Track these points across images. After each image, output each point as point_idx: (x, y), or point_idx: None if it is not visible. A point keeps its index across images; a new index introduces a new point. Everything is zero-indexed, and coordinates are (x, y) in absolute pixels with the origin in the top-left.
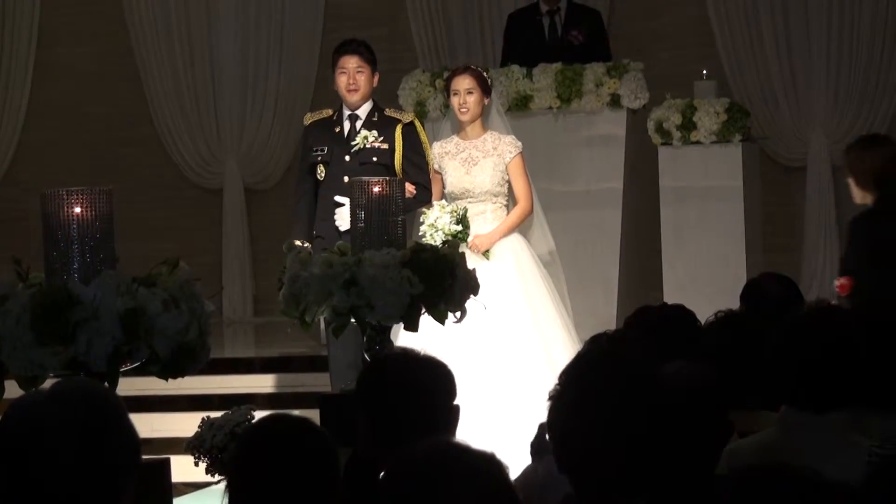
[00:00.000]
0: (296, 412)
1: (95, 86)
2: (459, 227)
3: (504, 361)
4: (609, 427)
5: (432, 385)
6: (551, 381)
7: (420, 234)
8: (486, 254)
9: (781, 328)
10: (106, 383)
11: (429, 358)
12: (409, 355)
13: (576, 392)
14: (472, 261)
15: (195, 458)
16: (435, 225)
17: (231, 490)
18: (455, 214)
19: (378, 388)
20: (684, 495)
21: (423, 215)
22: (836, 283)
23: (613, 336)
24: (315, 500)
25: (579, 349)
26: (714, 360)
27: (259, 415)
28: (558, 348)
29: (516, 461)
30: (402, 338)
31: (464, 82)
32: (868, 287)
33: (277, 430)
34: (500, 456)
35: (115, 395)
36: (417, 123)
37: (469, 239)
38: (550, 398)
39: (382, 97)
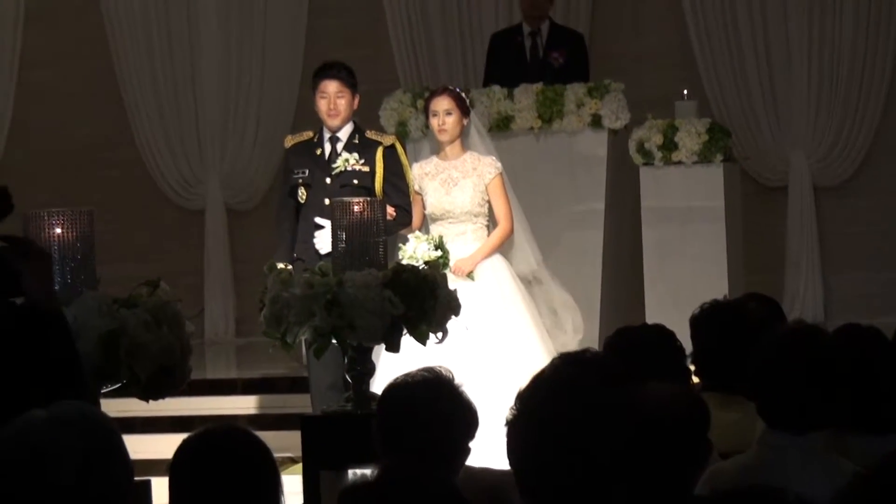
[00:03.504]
0: (277, 434)
1: (77, 107)
2: (439, 253)
3: (486, 382)
4: (571, 456)
5: (452, 419)
6: None
7: None
8: (470, 275)
9: (761, 348)
10: None
11: (458, 394)
12: (440, 383)
13: (536, 420)
14: (454, 282)
15: None
16: (414, 255)
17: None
18: (432, 241)
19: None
20: None
21: (399, 251)
22: None
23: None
24: None
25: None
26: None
27: None
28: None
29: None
30: (384, 359)
31: (442, 103)
32: None
33: (212, 439)
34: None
35: (110, 419)
36: (398, 146)
37: (451, 263)
38: (507, 424)
39: (363, 117)
